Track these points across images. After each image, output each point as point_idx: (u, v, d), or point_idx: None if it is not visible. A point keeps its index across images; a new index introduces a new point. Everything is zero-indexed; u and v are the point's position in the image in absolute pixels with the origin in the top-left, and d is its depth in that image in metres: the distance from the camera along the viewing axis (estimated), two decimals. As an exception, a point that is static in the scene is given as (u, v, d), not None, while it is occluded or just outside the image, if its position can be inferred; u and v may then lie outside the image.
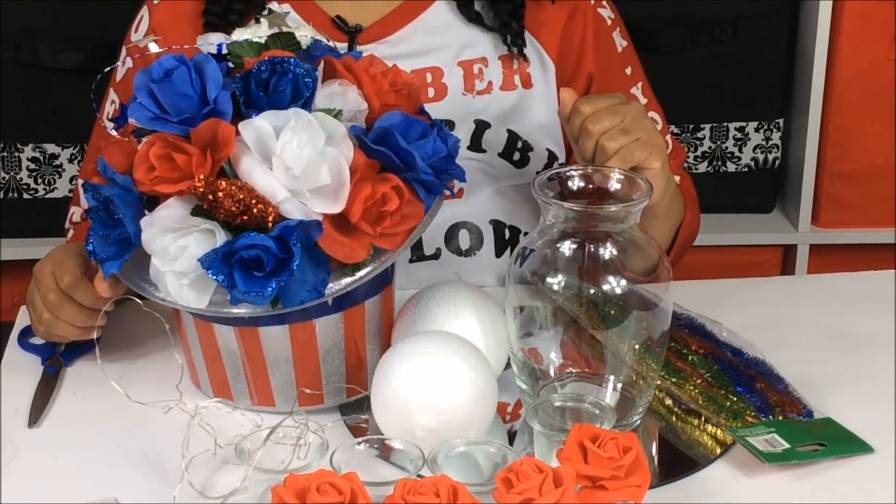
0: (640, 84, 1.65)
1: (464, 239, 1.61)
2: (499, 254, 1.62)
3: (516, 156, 1.61)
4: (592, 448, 1.13)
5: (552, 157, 1.63)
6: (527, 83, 1.60)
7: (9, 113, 2.39)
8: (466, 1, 1.60)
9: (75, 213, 1.66)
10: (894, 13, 2.42)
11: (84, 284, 1.39)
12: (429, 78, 1.58)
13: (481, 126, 1.60)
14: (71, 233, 1.66)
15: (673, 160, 1.60)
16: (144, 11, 1.62)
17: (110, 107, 1.62)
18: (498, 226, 1.62)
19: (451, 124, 1.57)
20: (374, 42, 1.57)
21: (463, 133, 1.58)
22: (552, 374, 1.31)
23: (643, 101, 1.63)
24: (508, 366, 1.35)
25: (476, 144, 1.60)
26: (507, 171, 1.61)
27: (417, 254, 1.60)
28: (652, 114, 1.63)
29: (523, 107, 1.61)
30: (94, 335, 1.39)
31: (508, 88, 1.60)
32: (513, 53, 1.59)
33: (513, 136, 1.61)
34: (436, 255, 1.61)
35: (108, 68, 1.37)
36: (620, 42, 1.65)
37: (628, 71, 1.65)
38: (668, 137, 1.63)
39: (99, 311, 1.38)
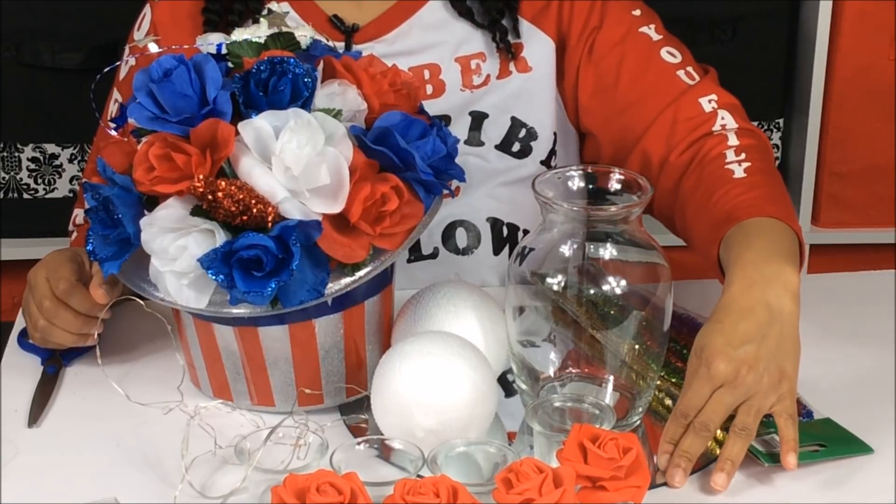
0: (652, 25, 1.59)
1: (461, 237, 1.61)
2: (497, 251, 1.62)
3: (516, 146, 1.61)
4: (592, 448, 1.13)
5: (557, 140, 1.62)
6: (523, 68, 1.60)
7: (9, 113, 2.38)
8: None
9: (78, 215, 1.66)
10: (894, 13, 2.41)
11: (79, 291, 1.38)
12: (426, 75, 1.58)
13: (478, 118, 1.60)
14: (74, 235, 1.65)
15: (709, 79, 1.56)
16: (147, 9, 1.62)
17: (114, 105, 1.62)
18: (495, 223, 1.61)
19: (447, 119, 1.57)
20: (370, 41, 1.57)
21: (460, 128, 1.58)
22: (552, 374, 1.31)
23: (657, 38, 1.58)
24: (510, 371, 1.35)
25: (473, 138, 1.60)
26: (505, 164, 1.61)
27: (415, 254, 1.59)
28: (668, 49, 1.58)
29: (526, 91, 1.60)
30: (91, 342, 1.39)
31: (504, 76, 1.60)
32: (500, 49, 1.58)
33: (516, 124, 1.60)
34: (433, 255, 1.60)
35: (107, 68, 1.37)
36: None
37: (636, 13, 1.60)
38: (690, 69, 1.56)
39: (95, 317, 1.38)
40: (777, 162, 2.56)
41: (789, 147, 2.58)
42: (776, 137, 2.54)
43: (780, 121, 2.54)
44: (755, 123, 2.47)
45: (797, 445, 1.23)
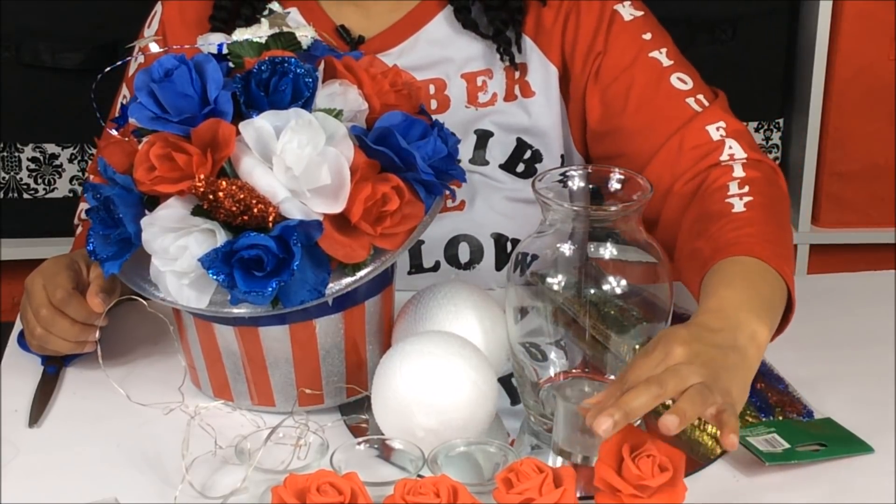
0: (664, 50, 1.57)
1: (463, 252, 1.60)
2: (499, 267, 1.60)
3: (520, 167, 1.60)
4: (628, 461, 1.12)
5: (565, 164, 1.61)
6: (527, 93, 1.59)
7: (9, 113, 2.39)
8: (462, 7, 1.59)
9: (84, 209, 1.66)
10: (894, 13, 2.42)
11: (76, 299, 1.38)
12: (431, 90, 1.58)
13: (483, 136, 1.59)
14: (80, 229, 1.65)
15: (717, 106, 1.53)
16: (158, 7, 1.63)
17: (123, 101, 1.62)
18: (499, 239, 1.60)
19: None
20: (375, 54, 1.56)
21: (465, 146, 1.57)
22: (552, 374, 1.31)
23: (667, 63, 1.56)
24: (512, 374, 1.35)
25: (478, 157, 1.59)
26: (510, 182, 1.60)
27: (416, 265, 1.59)
28: (678, 75, 1.55)
29: (530, 115, 1.60)
30: (89, 349, 1.39)
31: (511, 99, 1.60)
32: (504, 63, 1.58)
33: (521, 145, 1.60)
34: (434, 268, 1.60)
35: (108, 68, 1.37)
36: (631, 13, 1.58)
37: (647, 36, 1.57)
38: (700, 96, 1.54)
39: (92, 325, 1.38)
40: (777, 162, 2.56)
41: (789, 147, 2.58)
42: (776, 137, 2.55)
43: (780, 121, 2.54)
44: (755, 123, 2.51)
45: (738, 431, 1.14)
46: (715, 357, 1.18)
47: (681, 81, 1.55)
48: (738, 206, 1.41)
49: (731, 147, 1.50)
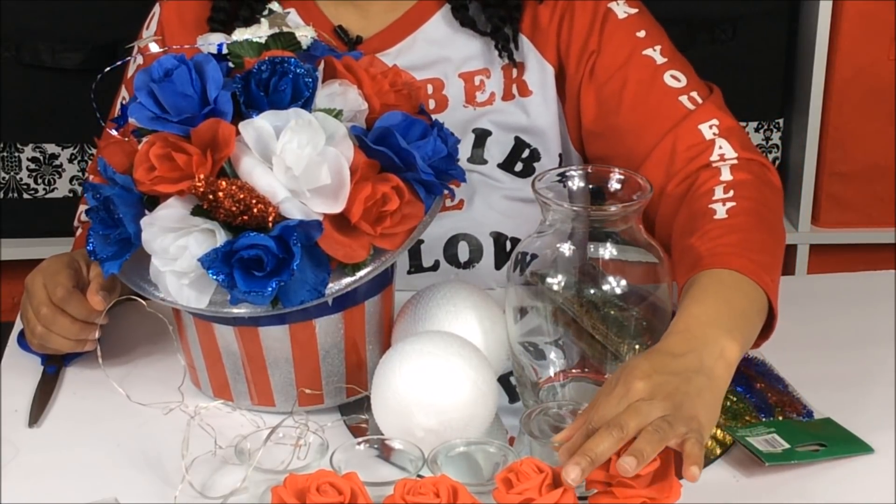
0: (658, 47, 1.56)
1: (463, 251, 1.60)
2: (498, 266, 1.60)
3: (519, 166, 1.60)
4: (613, 457, 1.12)
5: (563, 163, 1.61)
6: (524, 92, 1.59)
7: (9, 113, 2.39)
8: (460, 5, 1.59)
9: (84, 211, 1.66)
10: (894, 13, 2.42)
11: (76, 297, 1.38)
12: (429, 90, 1.58)
13: (482, 136, 1.59)
14: (79, 231, 1.66)
15: (711, 103, 1.53)
16: (157, 8, 1.63)
17: (123, 102, 1.62)
18: (499, 238, 1.60)
19: None
20: (374, 54, 1.56)
21: (463, 145, 1.57)
22: (552, 375, 1.31)
23: (661, 61, 1.55)
24: (511, 373, 1.35)
25: (476, 156, 1.59)
26: (509, 181, 1.60)
27: (415, 264, 1.59)
28: (672, 72, 1.55)
29: (527, 114, 1.60)
30: (90, 347, 1.39)
31: (508, 98, 1.60)
32: (503, 61, 1.58)
33: (520, 144, 1.60)
34: (434, 267, 1.59)
35: (108, 68, 1.37)
36: (626, 10, 1.57)
37: (641, 34, 1.56)
38: (693, 94, 1.53)
39: (92, 323, 1.38)
40: (777, 162, 2.56)
41: (789, 147, 2.58)
42: (776, 137, 2.55)
43: (780, 121, 2.54)
44: (755, 123, 2.51)
45: (702, 462, 1.13)
46: (678, 386, 1.17)
47: (674, 79, 1.55)
48: (721, 212, 1.39)
49: (721, 147, 1.49)
